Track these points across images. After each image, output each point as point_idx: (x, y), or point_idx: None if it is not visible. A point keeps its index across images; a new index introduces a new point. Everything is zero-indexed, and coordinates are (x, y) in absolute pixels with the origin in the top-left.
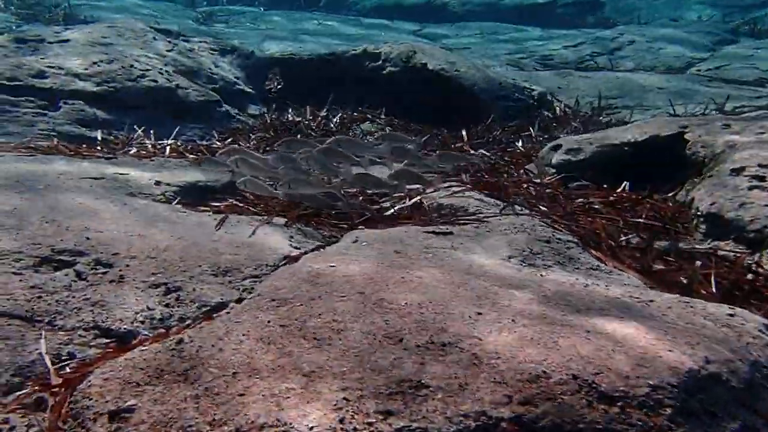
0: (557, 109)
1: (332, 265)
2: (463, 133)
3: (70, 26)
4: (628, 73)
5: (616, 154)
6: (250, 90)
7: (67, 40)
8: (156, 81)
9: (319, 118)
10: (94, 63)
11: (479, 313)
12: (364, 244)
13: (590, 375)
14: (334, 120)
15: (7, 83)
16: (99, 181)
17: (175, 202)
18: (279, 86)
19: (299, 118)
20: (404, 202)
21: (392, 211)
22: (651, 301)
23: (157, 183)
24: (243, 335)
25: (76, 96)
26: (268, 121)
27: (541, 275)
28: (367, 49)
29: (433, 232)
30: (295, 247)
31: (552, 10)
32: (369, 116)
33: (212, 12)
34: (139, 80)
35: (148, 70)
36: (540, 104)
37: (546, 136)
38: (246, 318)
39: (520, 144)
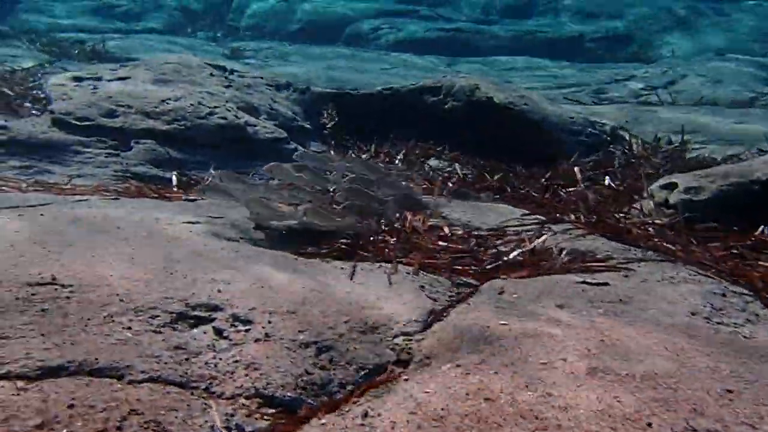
0: (634, 144)
1: (504, 323)
2: (576, 170)
3: (124, 63)
4: (692, 107)
5: (742, 193)
6: (309, 126)
7: (127, 78)
8: (225, 118)
9: (382, 155)
10: (163, 101)
11: (729, 391)
12: (515, 296)
13: None
14: (398, 157)
15: (77, 123)
16: (197, 226)
17: (280, 246)
18: (333, 122)
19: (364, 156)
20: (524, 246)
21: (515, 254)
22: None
23: (257, 227)
24: (442, 409)
25: (147, 135)
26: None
27: (744, 337)
28: (426, 84)
29: (585, 282)
30: (433, 299)
31: (581, 45)
32: (433, 153)
33: (238, 48)
34: (208, 118)
35: (216, 107)
36: (613, 140)
37: (628, 173)
38: (435, 388)
39: (607, 181)
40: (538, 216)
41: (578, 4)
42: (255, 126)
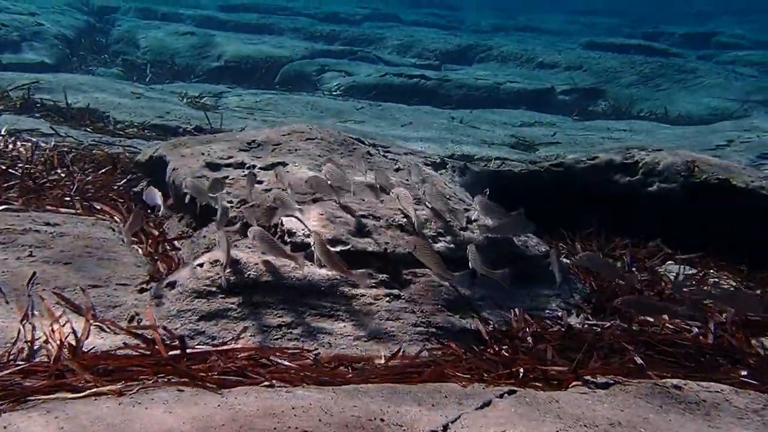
0: None
1: None
2: None
3: (250, 145)
4: None
5: None
6: None
7: (282, 163)
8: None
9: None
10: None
11: None
12: None
13: None
14: (626, 260)
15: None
16: None
17: None
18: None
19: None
20: None
21: None
22: None
23: None
24: None
25: (416, 260)
26: None
27: None
28: (614, 159)
29: None
30: None
31: (552, 97)
32: (657, 253)
33: (185, 93)
34: (469, 228)
35: (466, 209)
36: None
37: None
38: None
39: None
40: None
41: (517, 50)
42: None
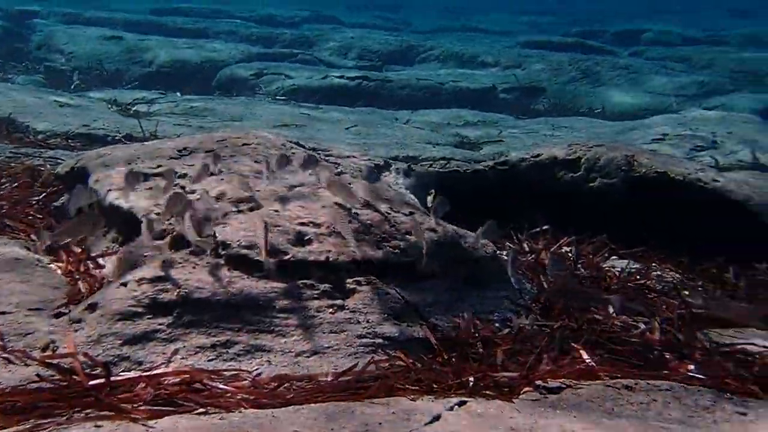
0: None
1: None
2: None
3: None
4: None
5: None
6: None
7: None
8: (435, 230)
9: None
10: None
11: None
12: None
13: None
14: (571, 254)
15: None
16: None
17: None
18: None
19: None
20: None
21: None
22: None
23: None
24: None
25: (361, 268)
26: None
27: None
28: (557, 155)
29: None
30: None
31: (494, 96)
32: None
33: (113, 99)
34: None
35: (412, 212)
36: None
37: None
38: None
39: None
40: None
41: (459, 50)
42: (465, 237)
